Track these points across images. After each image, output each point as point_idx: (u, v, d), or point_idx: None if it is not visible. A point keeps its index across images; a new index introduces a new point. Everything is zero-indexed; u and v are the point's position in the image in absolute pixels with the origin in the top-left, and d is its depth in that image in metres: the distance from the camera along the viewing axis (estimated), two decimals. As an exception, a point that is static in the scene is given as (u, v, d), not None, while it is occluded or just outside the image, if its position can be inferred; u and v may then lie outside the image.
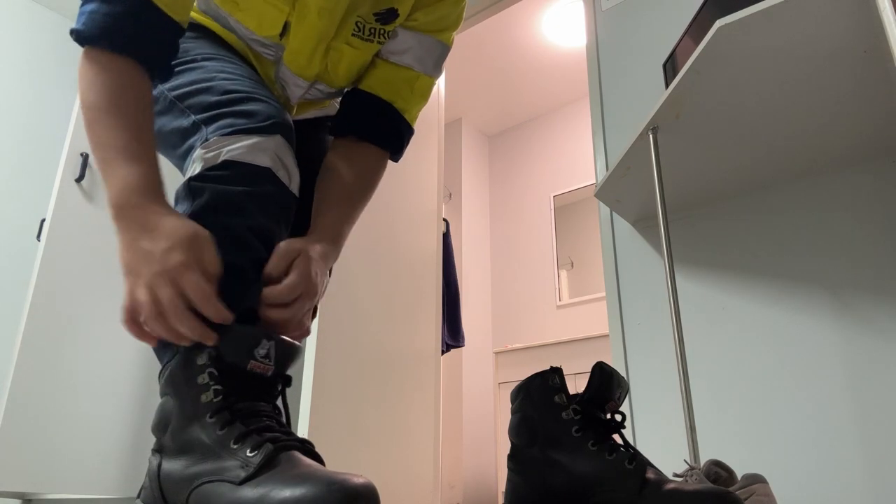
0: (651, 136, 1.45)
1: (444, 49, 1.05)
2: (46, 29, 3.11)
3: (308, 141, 1.08)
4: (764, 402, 1.54)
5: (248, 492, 0.57)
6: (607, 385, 0.82)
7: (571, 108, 4.53)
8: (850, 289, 1.51)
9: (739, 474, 1.49)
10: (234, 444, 0.62)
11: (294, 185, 0.84)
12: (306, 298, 0.78)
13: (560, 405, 0.82)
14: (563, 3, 3.66)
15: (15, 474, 1.87)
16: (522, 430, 0.85)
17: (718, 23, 1.16)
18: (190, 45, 0.94)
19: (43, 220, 2.19)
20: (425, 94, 1.06)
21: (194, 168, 0.78)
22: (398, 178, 2.39)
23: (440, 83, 2.81)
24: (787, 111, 1.37)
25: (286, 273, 0.77)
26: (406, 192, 2.43)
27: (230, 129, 0.79)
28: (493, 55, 4.06)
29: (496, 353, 3.52)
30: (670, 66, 1.58)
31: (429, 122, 2.67)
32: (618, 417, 0.85)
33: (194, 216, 0.74)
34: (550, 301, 4.14)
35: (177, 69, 0.91)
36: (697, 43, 1.38)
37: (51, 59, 3.08)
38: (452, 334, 3.17)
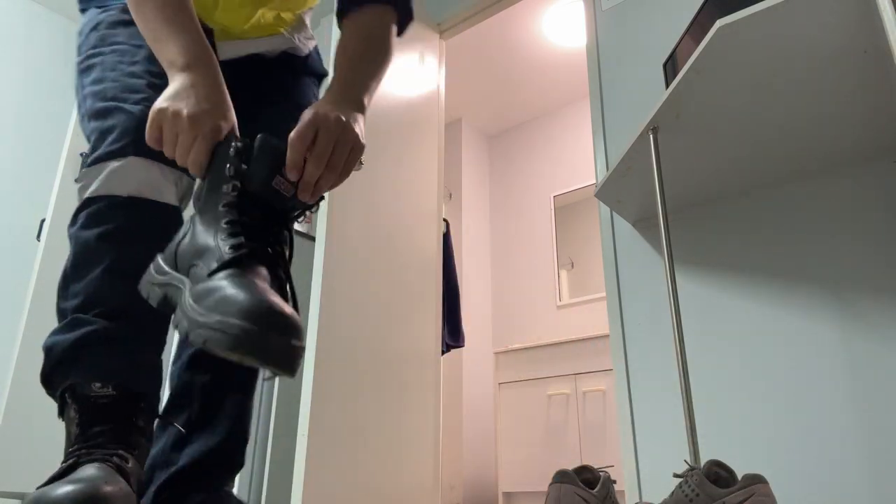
0: (651, 136, 1.45)
1: None
2: (46, 29, 3.11)
3: (264, 79, 1.07)
4: (764, 402, 1.54)
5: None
6: (271, 157, 0.73)
7: (571, 108, 4.53)
8: (850, 289, 1.51)
9: (739, 474, 1.49)
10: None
11: (170, 196, 0.86)
12: (329, 167, 0.78)
13: (225, 177, 0.73)
14: (563, 3, 3.66)
15: (15, 474, 1.87)
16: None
17: (718, 23, 1.16)
18: (105, 33, 0.96)
19: (43, 220, 2.19)
20: None
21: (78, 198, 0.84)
22: (398, 178, 2.39)
23: (440, 83, 2.81)
24: (787, 111, 1.37)
25: (313, 140, 0.77)
26: (406, 192, 2.43)
27: (91, 160, 0.83)
28: (493, 55, 4.06)
29: (496, 354, 3.52)
30: (670, 66, 1.58)
31: (429, 122, 2.67)
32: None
33: (67, 267, 0.82)
34: (550, 301, 4.14)
35: (89, 62, 0.93)
36: (697, 43, 1.38)
37: (50, 59, 3.08)
38: (452, 334, 3.17)
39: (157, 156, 0.81)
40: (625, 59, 2.11)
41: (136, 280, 0.79)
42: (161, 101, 0.75)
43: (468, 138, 4.70)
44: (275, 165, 0.73)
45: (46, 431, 1.97)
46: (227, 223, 0.70)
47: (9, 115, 2.88)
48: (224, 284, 0.62)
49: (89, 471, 0.68)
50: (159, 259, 0.75)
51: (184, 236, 0.74)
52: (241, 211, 0.71)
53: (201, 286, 0.64)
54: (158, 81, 0.86)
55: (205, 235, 0.70)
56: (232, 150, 0.72)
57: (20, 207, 2.80)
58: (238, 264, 0.65)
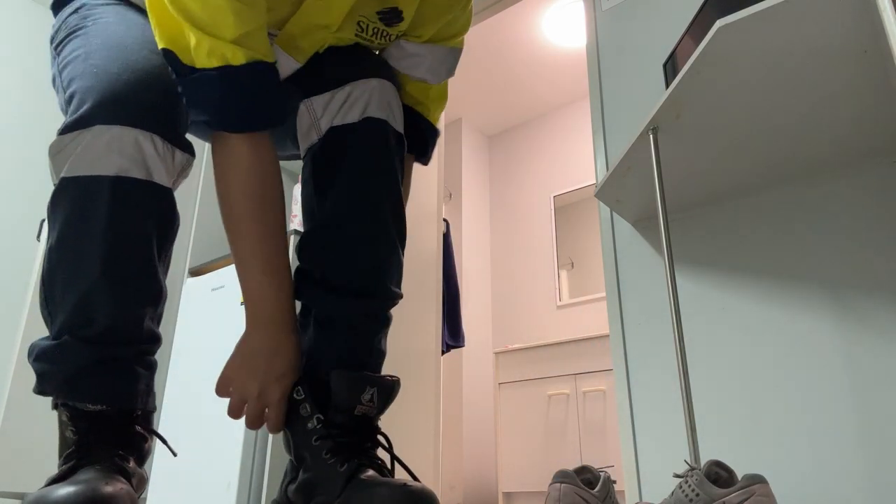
0: (651, 136, 1.45)
1: (457, 53, 1.03)
2: (46, 29, 3.11)
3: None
4: (764, 402, 1.54)
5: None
6: (347, 389, 0.78)
7: (571, 108, 4.53)
8: (850, 289, 1.51)
9: (739, 474, 1.49)
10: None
11: (160, 175, 0.77)
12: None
13: (305, 417, 0.79)
14: (563, 3, 3.66)
15: (15, 474, 1.87)
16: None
17: (718, 23, 1.16)
18: (89, 13, 0.87)
19: (43, 220, 2.19)
20: (443, 97, 1.05)
21: (51, 173, 0.76)
22: (398, 178, 2.39)
23: (440, 83, 2.81)
24: (787, 111, 1.37)
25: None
26: (406, 192, 2.43)
27: (67, 124, 0.73)
28: (493, 55, 4.06)
29: (496, 354, 3.52)
30: (670, 66, 1.58)
31: (429, 122, 2.67)
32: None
33: (53, 261, 0.75)
34: (550, 301, 4.14)
35: (69, 38, 0.85)
36: (697, 43, 1.38)
37: (50, 59, 3.08)
38: (452, 334, 3.17)
39: (151, 125, 0.74)
40: (625, 59, 2.11)
41: (128, 288, 0.76)
42: (235, 362, 0.79)
43: (468, 138, 4.70)
44: (354, 395, 0.77)
45: (46, 431, 1.97)
46: (327, 452, 0.75)
47: (9, 115, 2.88)
48: (360, 496, 0.70)
49: (90, 472, 0.69)
50: None
51: (290, 482, 0.79)
52: (334, 437, 0.76)
53: None
54: (155, 57, 0.80)
55: (314, 469, 0.76)
56: (297, 395, 0.78)
57: (20, 207, 2.80)
58: (356, 476, 0.73)
